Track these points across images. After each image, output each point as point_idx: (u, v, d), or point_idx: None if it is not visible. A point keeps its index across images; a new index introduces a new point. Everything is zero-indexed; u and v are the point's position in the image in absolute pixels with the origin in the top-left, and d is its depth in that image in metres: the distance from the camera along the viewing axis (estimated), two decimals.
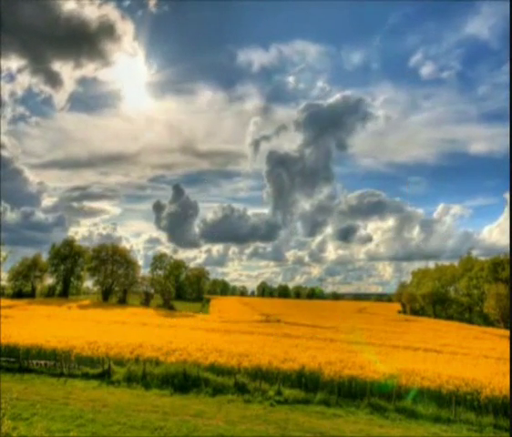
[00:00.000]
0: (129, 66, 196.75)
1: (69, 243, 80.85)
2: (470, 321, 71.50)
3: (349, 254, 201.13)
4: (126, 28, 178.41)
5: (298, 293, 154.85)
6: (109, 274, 78.11)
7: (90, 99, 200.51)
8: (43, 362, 19.95)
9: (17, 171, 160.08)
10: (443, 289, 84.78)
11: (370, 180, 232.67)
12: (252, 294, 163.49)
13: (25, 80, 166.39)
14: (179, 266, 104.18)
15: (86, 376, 18.63)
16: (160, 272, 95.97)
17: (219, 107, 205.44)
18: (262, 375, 18.06)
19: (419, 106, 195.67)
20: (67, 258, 79.67)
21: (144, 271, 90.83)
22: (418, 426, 14.45)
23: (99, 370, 19.00)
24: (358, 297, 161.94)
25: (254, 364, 18.66)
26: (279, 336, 31.22)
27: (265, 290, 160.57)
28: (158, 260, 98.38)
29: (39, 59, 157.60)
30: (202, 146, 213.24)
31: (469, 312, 77.14)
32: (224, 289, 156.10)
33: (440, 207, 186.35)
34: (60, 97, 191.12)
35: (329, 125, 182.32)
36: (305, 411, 15.39)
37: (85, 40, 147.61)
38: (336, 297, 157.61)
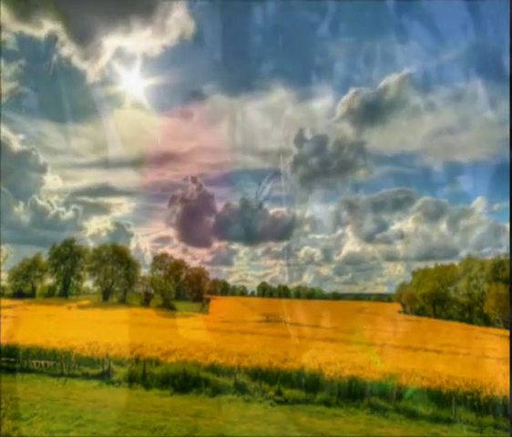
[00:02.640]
0: (193, 50, 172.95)
1: (69, 243, 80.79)
2: (470, 321, 71.39)
3: (365, 253, 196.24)
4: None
5: (298, 293, 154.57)
6: (109, 274, 78.10)
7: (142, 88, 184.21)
8: (43, 362, 19.94)
9: (35, 166, 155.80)
10: (443, 289, 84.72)
11: (408, 178, 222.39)
12: (252, 294, 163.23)
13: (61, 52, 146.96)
14: (179, 266, 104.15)
15: (86, 376, 18.63)
16: (160, 272, 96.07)
17: (285, 106, 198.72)
18: (262, 375, 18.05)
19: (499, 103, 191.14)
20: (67, 258, 79.64)
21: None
22: (418, 426, 14.44)
23: (99, 370, 19.00)
24: (359, 297, 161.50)
25: (254, 364, 18.65)
26: (279, 336, 31.17)
27: (265, 290, 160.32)
28: (159, 260, 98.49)
29: (77, 27, 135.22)
30: (259, 145, 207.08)
31: (469, 312, 77.06)
32: (224, 289, 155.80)
33: (473, 204, 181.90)
34: (99, 79, 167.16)
35: (375, 118, 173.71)
36: (305, 411, 15.37)
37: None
38: (336, 297, 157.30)
